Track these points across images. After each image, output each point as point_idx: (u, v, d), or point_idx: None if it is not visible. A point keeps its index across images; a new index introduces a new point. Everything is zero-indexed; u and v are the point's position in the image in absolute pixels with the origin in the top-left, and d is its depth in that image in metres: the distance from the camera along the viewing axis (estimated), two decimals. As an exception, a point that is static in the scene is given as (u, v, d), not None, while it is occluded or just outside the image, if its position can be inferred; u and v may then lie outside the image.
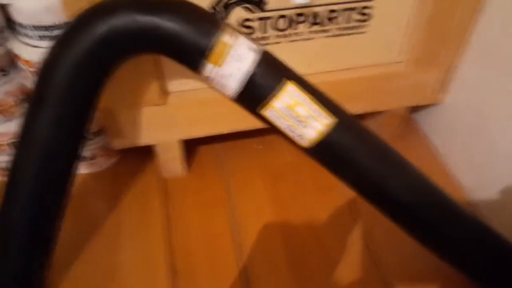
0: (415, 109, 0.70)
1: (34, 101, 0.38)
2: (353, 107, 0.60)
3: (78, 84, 0.37)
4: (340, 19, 0.51)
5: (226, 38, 0.38)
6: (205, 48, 0.37)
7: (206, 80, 0.40)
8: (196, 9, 0.39)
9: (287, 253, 0.54)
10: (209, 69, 0.38)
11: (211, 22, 0.38)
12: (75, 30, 0.36)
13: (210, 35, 0.37)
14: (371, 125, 0.67)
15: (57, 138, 0.39)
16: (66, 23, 0.47)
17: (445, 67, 0.59)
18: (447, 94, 0.63)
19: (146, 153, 0.61)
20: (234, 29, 0.39)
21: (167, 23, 0.36)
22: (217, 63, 0.38)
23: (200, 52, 0.37)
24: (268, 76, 0.39)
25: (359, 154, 0.42)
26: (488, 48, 0.54)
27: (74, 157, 0.42)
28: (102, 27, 0.36)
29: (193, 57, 0.38)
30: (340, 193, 0.60)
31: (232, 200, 0.60)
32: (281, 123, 0.41)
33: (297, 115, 0.40)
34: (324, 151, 0.42)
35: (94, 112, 0.41)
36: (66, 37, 0.37)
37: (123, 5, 0.37)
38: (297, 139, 0.41)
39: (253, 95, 0.40)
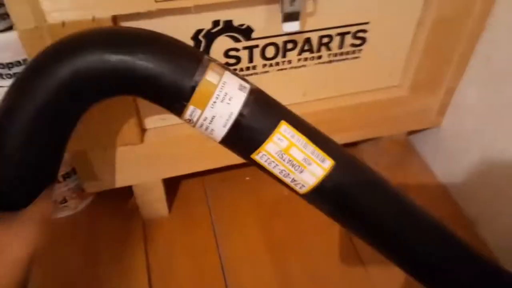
0: (411, 131, 0.66)
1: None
2: (351, 135, 0.56)
3: (38, 138, 0.31)
4: (333, 44, 0.47)
5: (210, 76, 0.33)
6: (186, 89, 0.32)
7: (190, 123, 0.35)
8: (175, 43, 0.34)
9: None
10: (192, 112, 0.33)
11: (192, 59, 0.33)
12: (32, 74, 0.31)
13: (192, 74, 0.32)
14: (369, 151, 0.63)
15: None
16: (26, 61, 0.42)
17: (449, 89, 0.55)
18: (447, 116, 0.59)
19: (124, 192, 0.55)
20: (220, 65, 0.34)
21: (142, 63, 0.31)
22: (201, 105, 0.33)
23: (181, 94, 0.32)
24: (259, 117, 0.34)
25: (362, 199, 0.38)
26: (489, 68, 0.51)
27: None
28: (64, 70, 0.30)
29: (173, 99, 0.33)
30: (341, 228, 0.55)
31: (221, 243, 0.54)
32: (275, 168, 0.36)
33: (292, 158, 0.35)
34: (323, 197, 0.37)
35: (61, 159, 0.36)
36: (23, 82, 0.31)
37: (90, 42, 0.32)
38: (293, 185, 0.37)
39: (243, 138, 0.35)
